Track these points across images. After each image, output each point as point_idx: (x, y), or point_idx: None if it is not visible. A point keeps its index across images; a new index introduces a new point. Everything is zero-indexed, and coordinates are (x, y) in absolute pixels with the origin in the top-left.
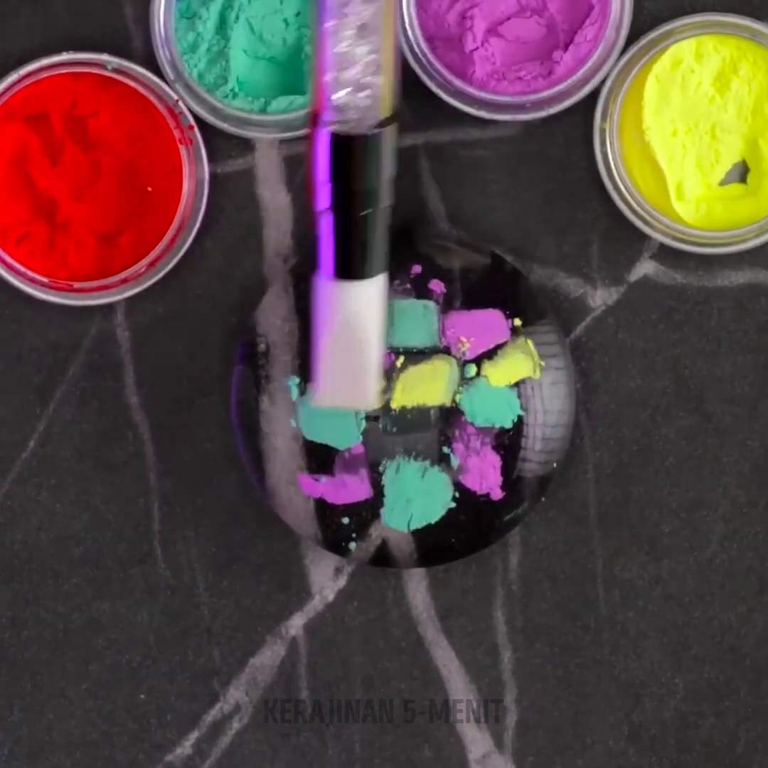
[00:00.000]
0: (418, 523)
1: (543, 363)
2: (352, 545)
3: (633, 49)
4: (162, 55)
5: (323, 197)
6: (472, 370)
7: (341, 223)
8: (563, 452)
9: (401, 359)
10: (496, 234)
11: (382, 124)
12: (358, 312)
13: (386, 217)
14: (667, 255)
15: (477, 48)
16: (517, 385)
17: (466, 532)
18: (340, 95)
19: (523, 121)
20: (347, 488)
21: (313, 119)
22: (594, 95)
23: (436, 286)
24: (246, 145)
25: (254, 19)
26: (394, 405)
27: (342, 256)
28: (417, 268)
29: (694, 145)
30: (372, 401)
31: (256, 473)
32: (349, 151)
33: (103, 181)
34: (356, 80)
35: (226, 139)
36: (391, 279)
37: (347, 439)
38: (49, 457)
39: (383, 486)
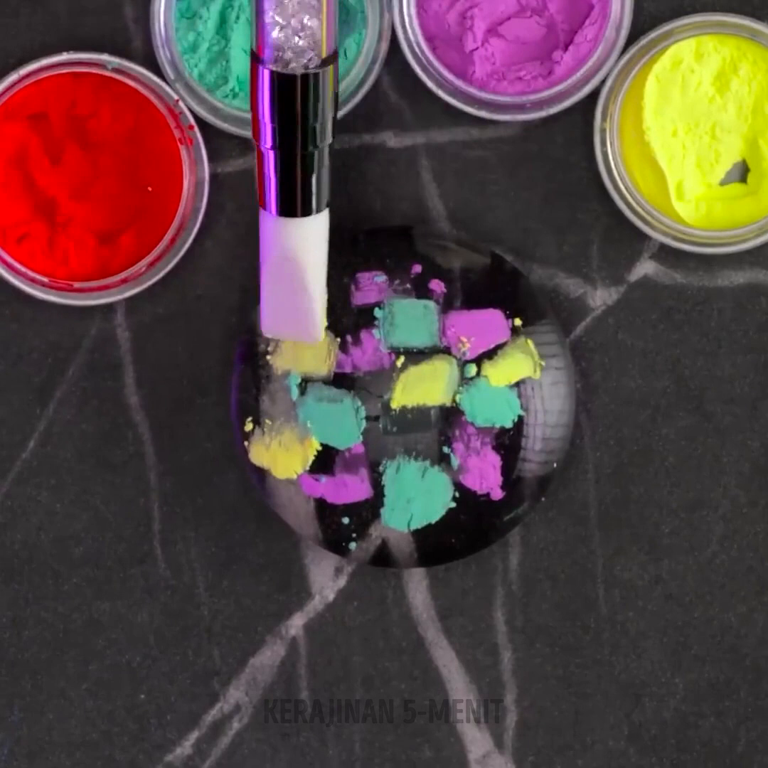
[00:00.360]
0: (418, 523)
1: (543, 363)
2: (352, 545)
3: (633, 49)
4: (162, 55)
5: (266, 135)
6: (472, 370)
7: (284, 161)
8: (563, 452)
9: (401, 359)
10: (496, 234)
11: (322, 64)
12: (300, 248)
13: (327, 155)
14: (667, 255)
15: (477, 48)
16: (517, 385)
17: (466, 532)
18: (278, 35)
19: (523, 121)
20: (347, 488)
21: (254, 58)
22: (594, 95)
23: (437, 286)
24: (246, 145)
25: None
26: (395, 405)
27: (284, 194)
28: (417, 268)
29: (694, 145)
30: (316, 336)
31: (256, 473)
32: (290, 90)
33: (103, 180)
34: (294, 21)
35: (226, 139)
36: (391, 279)
37: (347, 439)
38: (49, 457)
39: (383, 486)
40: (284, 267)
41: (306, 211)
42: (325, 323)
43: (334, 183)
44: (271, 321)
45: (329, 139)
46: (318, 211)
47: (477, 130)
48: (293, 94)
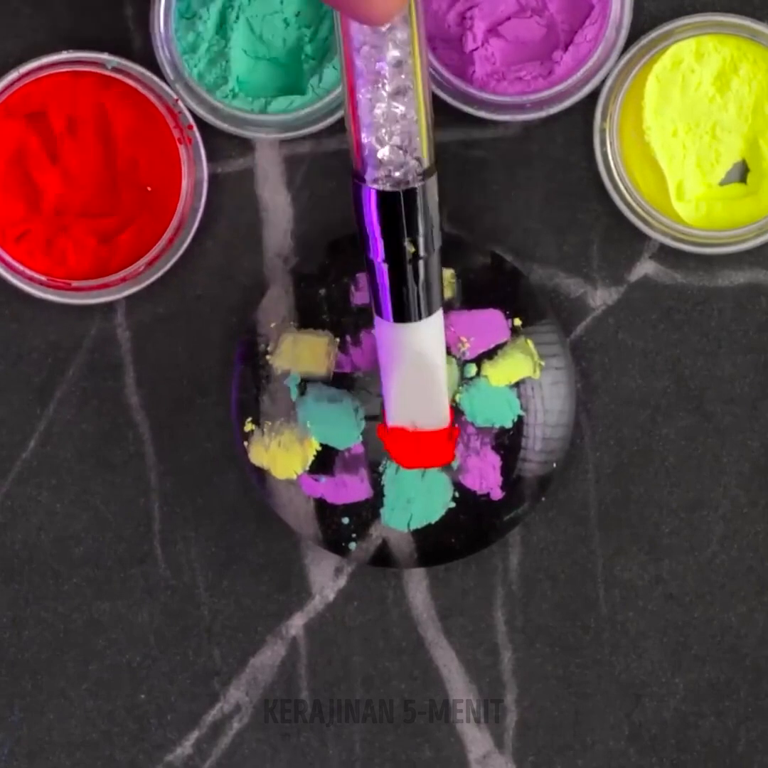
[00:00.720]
0: (418, 523)
1: (543, 363)
2: (352, 545)
3: (633, 49)
4: (162, 55)
5: (377, 250)
6: (472, 369)
7: (396, 273)
8: (563, 452)
9: None
10: (496, 234)
11: (424, 175)
12: (421, 348)
13: (437, 259)
14: (667, 255)
15: (477, 48)
16: (517, 385)
17: (466, 532)
18: (382, 153)
19: (523, 121)
20: (347, 488)
21: (356, 176)
22: (594, 95)
23: None
24: (246, 145)
25: (254, 19)
26: None
27: (400, 303)
28: None
29: (694, 145)
30: (445, 421)
31: (256, 473)
32: (396, 206)
33: (102, 180)
34: (395, 138)
35: (226, 139)
36: None
37: (347, 439)
38: (49, 457)
39: (383, 486)
40: (412, 368)
41: (425, 314)
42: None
43: (334, 183)
44: (400, 414)
45: (439, 243)
46: (434, 311)
47: (477, 130)
48: (399, 210)
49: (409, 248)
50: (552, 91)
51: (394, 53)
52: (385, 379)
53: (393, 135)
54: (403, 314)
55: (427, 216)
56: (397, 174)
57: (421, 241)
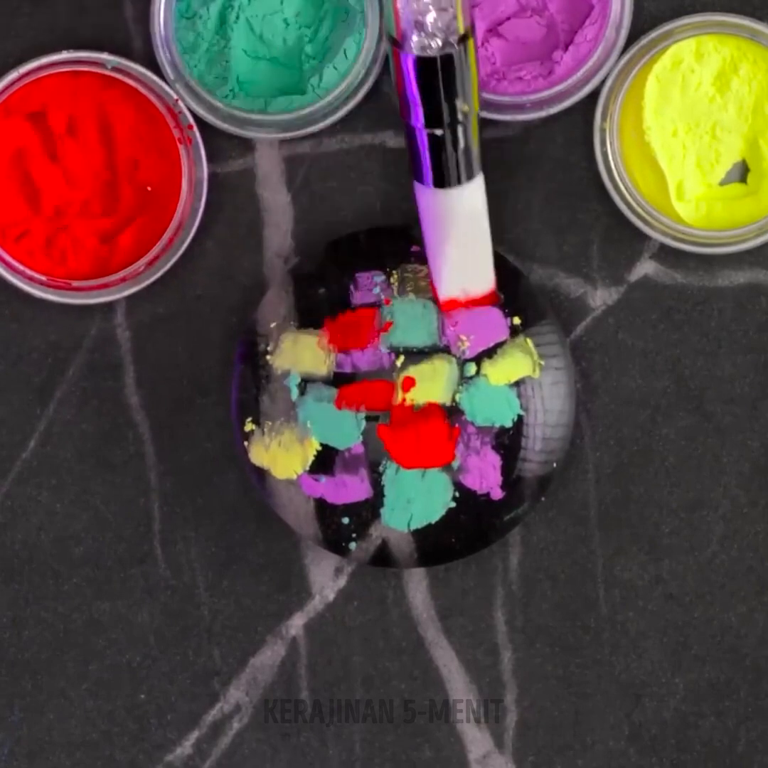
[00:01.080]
0: (418, 523)
1: (543, 362)
2: (352, 545)
3: (633, 49)
4: (162, 55)
5: (417, 115)
6: (471, 369)
7: (437, 138)
8: (563, 452)
9: (401, 359)
10: (496, 234)
11: (460, 40)
12: (465, 211)
13: (476, 123)
14: (667, 255)
15: (477, 48)
16: (517, 384)
17: (466, 532)
18: (419, 19)
19: (523, 121)
20: (347, 488)
21: (395, 43)
22: (594, 95)
23: None
24: (246, 145)
25: (254, 19)
26: (394, 404)
27: (442, 168)
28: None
29: (694, 145)
30: (492, 283)
31: (256, 473)
32: (435, 71)
33: (102, 179)
34: (431, 5)
35: (226, 139)
36: (391, 278)
37: (347, 439)
38: (49, 457)
39: (383, 486)
40: (457, 233)
41: (465, 179)
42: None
43: (334, 183)
44: (452, 281)
45: (476, 110)
46: (477, 174)
47: None
48: (437, 75)
49: (446, 114)
50: (552, 91)
51: None
52: (432, 250)
53: (429, 1)
54: (447, 178)
55: (465, 81)
56: (435, 40)
57: (460, 105)
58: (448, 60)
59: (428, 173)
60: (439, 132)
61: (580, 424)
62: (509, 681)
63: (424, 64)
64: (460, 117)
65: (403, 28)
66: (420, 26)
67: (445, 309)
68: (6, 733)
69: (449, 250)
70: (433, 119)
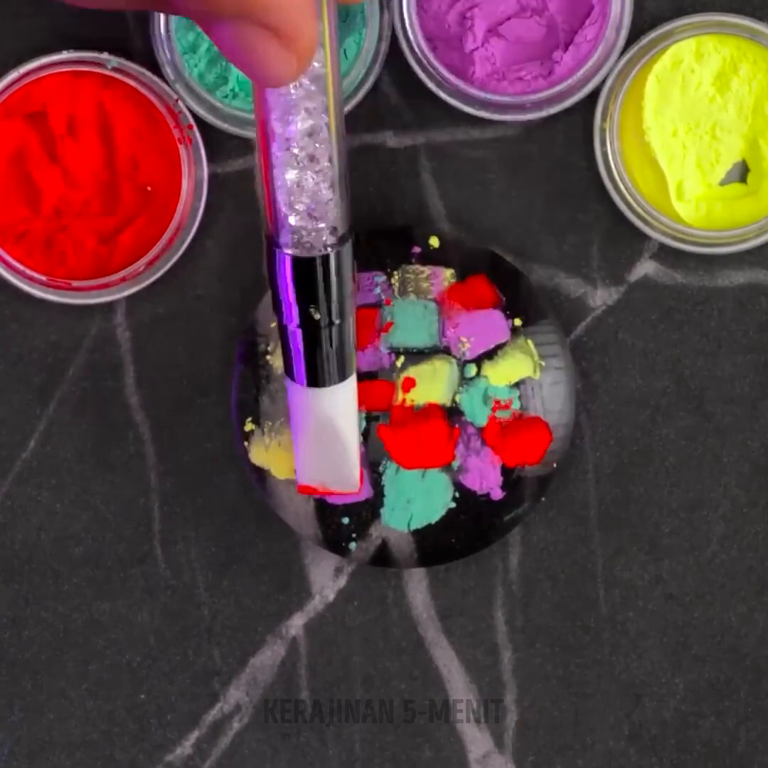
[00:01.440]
0: (418, 523)
1: (543, 363)
2: (352, 545)
3: (633, 49)
4: (162, 55)
5: (292, 315)
6: (472, 370)
7: (308, 338)
8: (563, 452)
9: (401, 359)
10: (496, 234)
11: (340, 241)
12: (332, 413)
13: (352, 326)
14: (667, 255)
15: (477, 48)
16: (517, 385)
17: (466, 532)
18: (294, 220)
19: (523, 121)
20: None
21: (270, 241)
22: (594, 95)
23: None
24: (246, 145)
25: None
26: (394, 404)
27: (312, 368)
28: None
29: (694, 145)
30: (356, 485)
31: (256, 473)
32: (310, 272)
33: (102, 179)
34: (309, 206)
35: (226, 139)
36: (391, 278)
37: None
38: (49, 457)
39: (383, 486)
40: (321, 433)
41: (338, 380)
42: (359, 472)
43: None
44: (309, 475)
45: (352, 312)
46: (346, 377)
47: (477, 130)
48: (314, 276)
49: (316, 315)
50: (552, 91)
51: (306, 122)
52: (295, 441)
53: (305, 202)
54: (315, 379)
55: (341, 283)
56: (310, 240)
57: (334, 308)
58: (324, 262)
59: (300, 372)
60: (312, 334)
61: (580, 424)
62: (509, 681)
63: (300, 264)
64: (335, 319)
65: (279, 225)
66: (296, 228)
67: (302, 493)
68: (6, 733)
69: (313, 446)
70: (306, 321)
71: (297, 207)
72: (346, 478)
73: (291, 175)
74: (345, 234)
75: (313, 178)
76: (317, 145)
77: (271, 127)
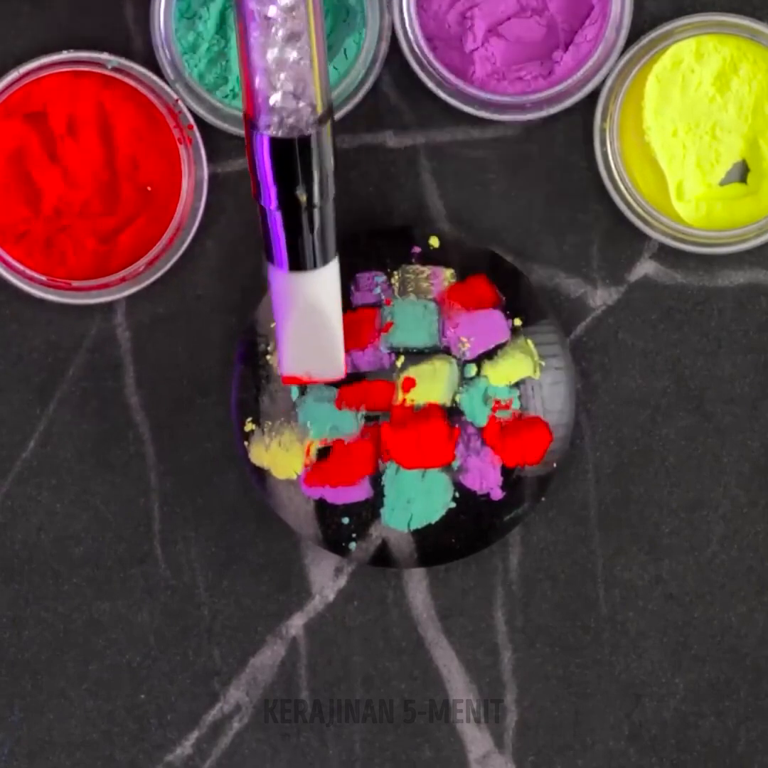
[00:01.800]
0: (418, 523)
1: (543, 363)
2: (352, 545)
3: (633, 49)
4: (162, 55)
5: (270, 197)
6: (472, 370)
7: (290, 221)
8: (563, 452)
9: (402, 359)
10: (496, 234)
11: (319, 122)
12: (316, 297)
13: (332, 208)
14: (667, 255)
15: (477, 48)
16: (517, 385)
17: (466, 532)
18: (275, 99)
19: (523, 121)
20: (347, 488)
21: (248, 123)
22: (594, 95)
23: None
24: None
25: None
26: (394, 404)
27: (294, 251)
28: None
29: (694, 145)
30: (340, 372)
31: (256, 473)
32: (290, 153)
33: (102, 179)
34: (288, 84)
35: (226, 139)
36: (391, 278)
37: (347, 438)
38: (49, 457)
39: (383, 486)
40: (305, 318)
41: (321, 263)
42: (343, 358)
43: (335, 182)
44: (293, 364)
45: (332, 193)
46: (329, 260)
47: (477, 130)
48: (293, 157)
49: (302, 196)
50: (552, 91)
51: None
52: (278, 329)
53: (286, 81)
54: (297, 263)
55: (322, 164)
56: (290, 120)
57: (315, 189)
58: (304, 142)
59: (282, 256)
60: (292, 216)
61: (580, 424)
62: (509, 681)
63: (279, 146)
64: (316, 201)
65: (258, 108)
66: (276, 108)
67: (287, 383)
68: (6, 733)
69: (297, 333)
70: (286, 203)
71: (276, 85)
72: (330, 364)
73: (271, 54)
74: (324, 114)
75: (294, 56)
76: (296, 21)
77: (250, 6)
